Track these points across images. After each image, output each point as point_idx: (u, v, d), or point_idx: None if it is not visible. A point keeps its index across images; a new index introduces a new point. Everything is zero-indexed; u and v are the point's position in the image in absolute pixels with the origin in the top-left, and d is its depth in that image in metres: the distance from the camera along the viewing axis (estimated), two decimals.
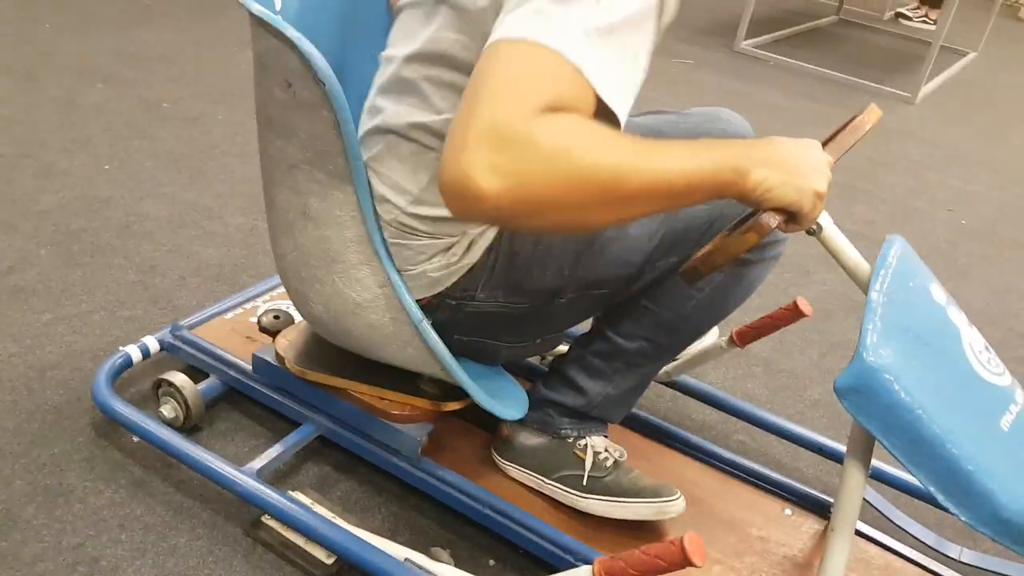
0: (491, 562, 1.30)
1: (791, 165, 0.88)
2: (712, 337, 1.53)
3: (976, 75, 5.15)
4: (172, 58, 3.13)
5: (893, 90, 4.31)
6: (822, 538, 1.30)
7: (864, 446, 0.96)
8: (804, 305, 1.33)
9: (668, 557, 0.88)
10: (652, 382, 1.43)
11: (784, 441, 1.61)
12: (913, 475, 0.89)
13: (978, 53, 5.61)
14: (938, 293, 0.98)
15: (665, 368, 1.54)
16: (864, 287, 0.98)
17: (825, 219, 0.96)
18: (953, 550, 1.33)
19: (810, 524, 1.33)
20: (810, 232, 0.96)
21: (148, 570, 1.21)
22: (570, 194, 0.77)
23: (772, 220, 0.87)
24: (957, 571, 1.29)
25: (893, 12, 6.36)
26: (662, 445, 1.47)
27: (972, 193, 3.17)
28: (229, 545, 1.26)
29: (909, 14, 6.23)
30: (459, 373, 1.16)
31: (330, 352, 1.33)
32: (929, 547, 1.33)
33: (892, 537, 1.32)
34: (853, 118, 1.02)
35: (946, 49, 5.22)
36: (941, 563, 1.30)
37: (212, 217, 2.16)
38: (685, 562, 0.87)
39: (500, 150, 0.73)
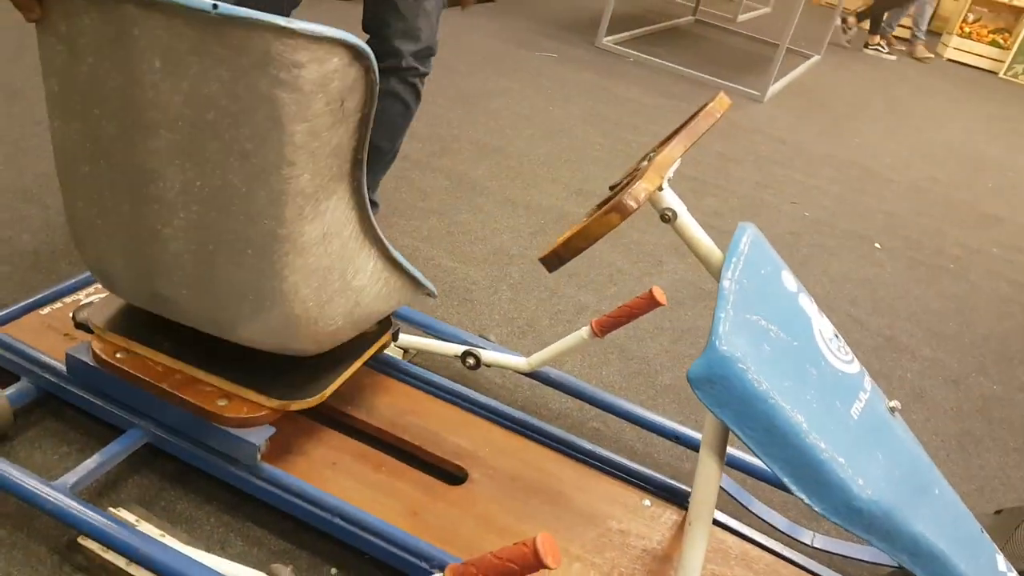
0: (333, 570, 1.21)
1: None
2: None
3: (818, 76, 5.46)
4: None
5: (744, 88, 4.50)
6: (681, 529, 1.30)
7: (719, 436, 0.95)
8: (659, 294, 1.33)
9: (520, 560, 0.84)
10: (513, 372, 1.54)
11: (637, 428, 1.61)
12: (766, 466, 0.88)
13: (820, 56, 5.97)
14: (789, 281, 0.98)
15: (528, 359, 1.50)
16: (716, 274, 0.97)
17: (679, 207, 0.94)
18: (806, 536, 1.36)
19: (669, 515, 1.32)
20: (664, 219, 0.94)
21: None
22: None
23: (632, 202, 0.84)
24: (810, 556, 1.32)
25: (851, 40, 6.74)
26: (523, 438, 1.43)
27: (814, 187, 3.34)
28: (32, 566, 1.11)
29: (873, 46, 6.64)
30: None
31: (150, 326, 1.23)
32: (783, 533, 1.35)
33: (747, 525, 1.34)
34: (704, 106, 1.01)
35: (792, 52, 5.51)
36: (795, 549, 1.32)
37: (31, 200, 1.93)
38: (538, 564, 0.82)
39: None
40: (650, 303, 1.33)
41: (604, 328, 1.39)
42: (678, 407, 1.76)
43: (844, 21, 6.69)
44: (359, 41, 0.93)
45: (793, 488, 0.89)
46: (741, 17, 6.80)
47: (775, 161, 3.54)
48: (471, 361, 1.54)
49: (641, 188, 0.86)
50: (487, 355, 1.54)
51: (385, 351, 1.52)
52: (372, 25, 1.76)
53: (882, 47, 6.64)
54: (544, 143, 3.09)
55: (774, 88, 4.60)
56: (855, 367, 0.98)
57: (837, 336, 0.99)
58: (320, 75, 0.93)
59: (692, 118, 0.99)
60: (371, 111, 1.01)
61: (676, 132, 1.05)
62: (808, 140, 3.98)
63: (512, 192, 2.61)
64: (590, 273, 2.23)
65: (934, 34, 7.46)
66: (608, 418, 1.64)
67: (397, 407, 1.44)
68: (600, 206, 0.99)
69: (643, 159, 1.03)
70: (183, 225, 1.06)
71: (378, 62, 1.69)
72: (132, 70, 0.96)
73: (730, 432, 0.93)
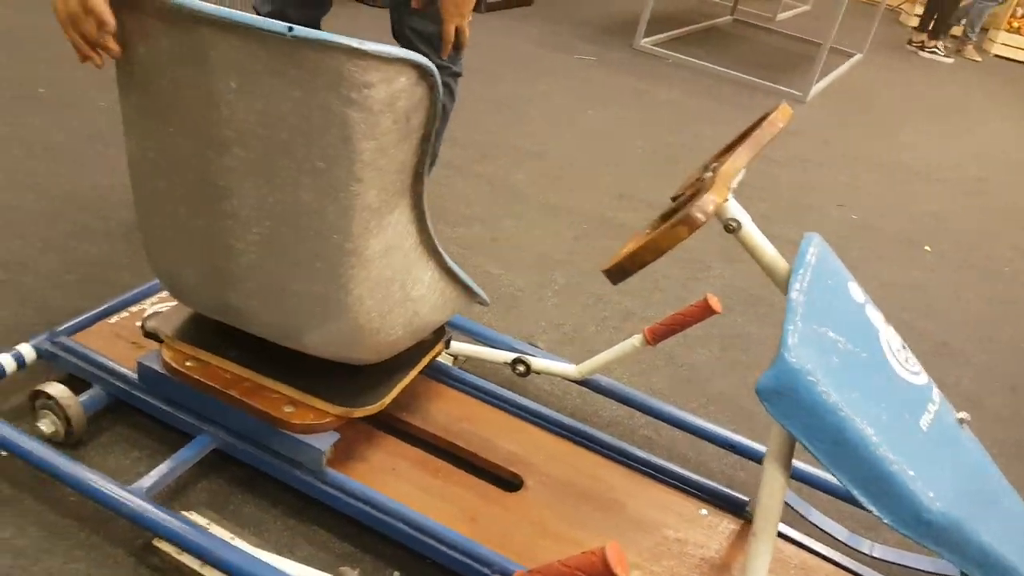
0: (396, 574, 1.24)
1: None
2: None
3: (861, 76, 5.39)
4: (46, 41, 2.89)
5: (785, 89, 4.46)
6: (739, 539, 1.30)
7: (785, 448, 0.95)
8: (714, 302, 1.33)
9: (589, 569, 0.85)
10: (562, 379, 1.57)
11: (689, 436, 1.61)
12: (835, 477, 0.89)
13: (863, 55, 5.88)
14: (856, 292, 0.99)
15: (578, 367, 1.51)
16: (781, 285, 0.97)
17: (743, 217, 0.95)
18: (865, 545, 1.35)
19: (727, 524, 1.32)
20: (729, 229, 0.95)
21: None
22: None
23: (701, 215, 0.85)
24: (869, 566, 1.31)
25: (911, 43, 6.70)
26: (575, 444, 1.44)
27: (860, 189, 3.31)
28: (110, 568, 1.15)
29: (924, 47, 6.61)
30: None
31: (217, 334, 1.26)
32: (842, 543, 1.35)
33: (807, 534, 1.33)
34: (766, 116, 1.01)
35: (833, 51, 5.44)
36: (854, 559, 1.32)
37: (91, 211, 1.99)
38: (607, 573, 0.84)
39: None
40: (705, 311, 1.33)
41: (657, 336, 1.40)
42: (730, 415, 1.76)
43: (921, 44, 6.63)
44: (425, 61, 0.95)
45: (862, 500, 0.89)
46: (780, 16, 6.73)
47: (820, 163, 3.50)
48: (521, 368, 1.56)
49: (709, 200, 0.87)
50: (537, 362, 1.55)
51: (437, 358, 1.55)
52: (398, 30, 1.78)
53: (938, 50, 6.56)
54: (584, 147, 3.10)
55: (816, 88, 4.55)
56: (923, 378, 0.97)
57: (904, 347, 0.99)
58: (388, 94, 0.95)
59: (754, 127, 1.00)
60: (434, 127, 1.03)
61: (738, 141, 1.06)
62: (853, 141, 3.94)
63: (553, 197, 2.63)
64: (636, 279, 2.23)
65: (982, 30, 7.31)
66: (659, 426, 1.65)
67: (451, 413, 1.46)
68: (663, 218, 0.99)
69: (704, 169, 1.04)
70: (256, 240, 1.09)
71: None
72: (208, 90, 0.99)
73: (796, 444, 0.93)
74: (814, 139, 3.83)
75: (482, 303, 1.38)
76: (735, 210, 0.94)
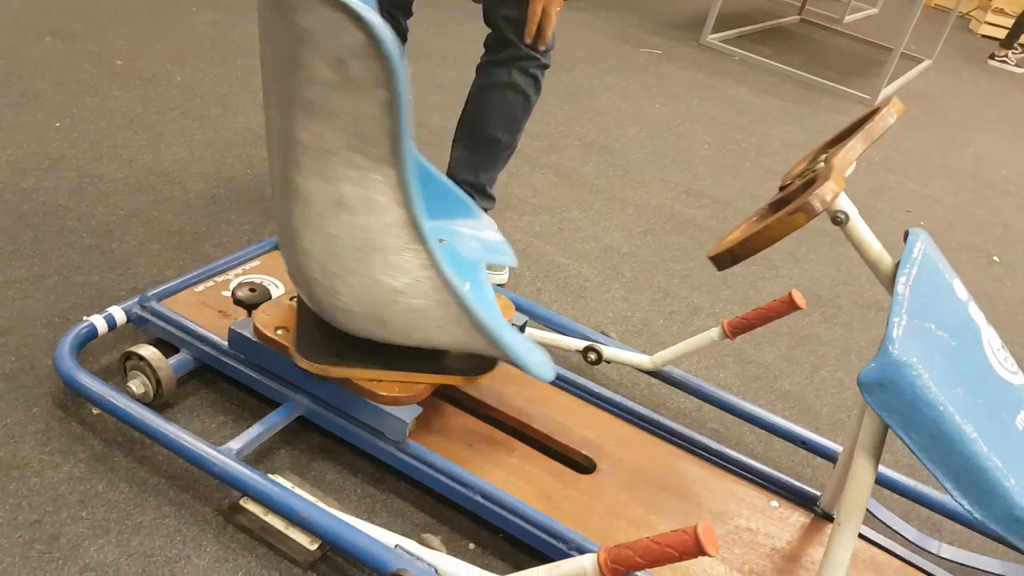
0: (471, 546, 1.26)
1: None
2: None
3: (930, 82, 5.27)
4: (124, 16, 2.97)
5: (853, 91, 4.38)
6: (809, 531, 1.30)
7: (877, 440, 0.95)
8: (799, 298, 1.33)
9: (681, 546, 0.86)
10: (636, 370, 1.56)
11: (757, 431, 1.61)
12: (929, 471, 0.88)
13: (932, 61, 5.76)
14: (960, 289, 0.98)
15: (652, 358, 1.52)
16: (885, 280, 0.97)
17: (852, 210, 0.95)
18: (932, 545, 1.34)
19: (797, 517, 1.32)
20: (836, 221, 0.94)
21: (111, 548, 1.13)
22: None
23: (819, 203, 0.85)
24: (937, 564, 1.30)
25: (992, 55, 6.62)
26: (647, 433, 1.45)
27: (928, 196, 3.24)
28: (198, 525, 1.19)
29: (999, 58, 6.52)
30: (503, 337, 1.14)
31: (333, 342, 1.26)
32: (910, 542, 1.34)
33: (877, 532, 1.32)
34: (878, 109, 1.01)
35: (902, 55, 5.33)
36: (922, 556, 1.31)
37: (172, 182, 2.05)
38: (699, 551, 0.85)
39: None
40: (789, 307, 1.33)
41: (737, 330, 1.40)
42: (798, 413, 1.75)
43: (1001, 57, 6.52)
44: (362, 7, 0.92)
45: (955, 494, 0.88)
46: (848, 18, 6.61)
47: (888, 168, 3.45)
48: (592, 356, 1.57)
49: (829, 189, 0.87)
50: (609, 351, 1.57)
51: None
52: (489, 17, 1.79)
53: (1008, 59, 6.41)
54: (651, 141, 3.09)
55: (885, 92, 4.47)
56: (1021, 379, 0.96)
57: (1003, 347, 0.98)
58: (317, 24, 0.95)
59: (865, 120, 0.99)
60: (396, 96, 0.98)
61: (847, 134, 1.06)
62: (921, 148, 3.86)
63: (621, 190, 2.63)
64: (703, 275, 2.22)
65: None
66: (727, 419, 1.65)
67: (525, 396, 1.47)
68: (772, 206, 1.00)
69: (814, 159, 1.04)
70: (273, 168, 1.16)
71: (496, 53, 1.70)
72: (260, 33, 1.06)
73: (886, 438, 0.93)
74: (883, 144, 3.76)
75: (507, 360, 1.23)
76: (844, 202, 0.94)
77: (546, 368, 1.22)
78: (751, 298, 2.16)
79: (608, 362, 1.57)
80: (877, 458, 0.96)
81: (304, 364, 1.22)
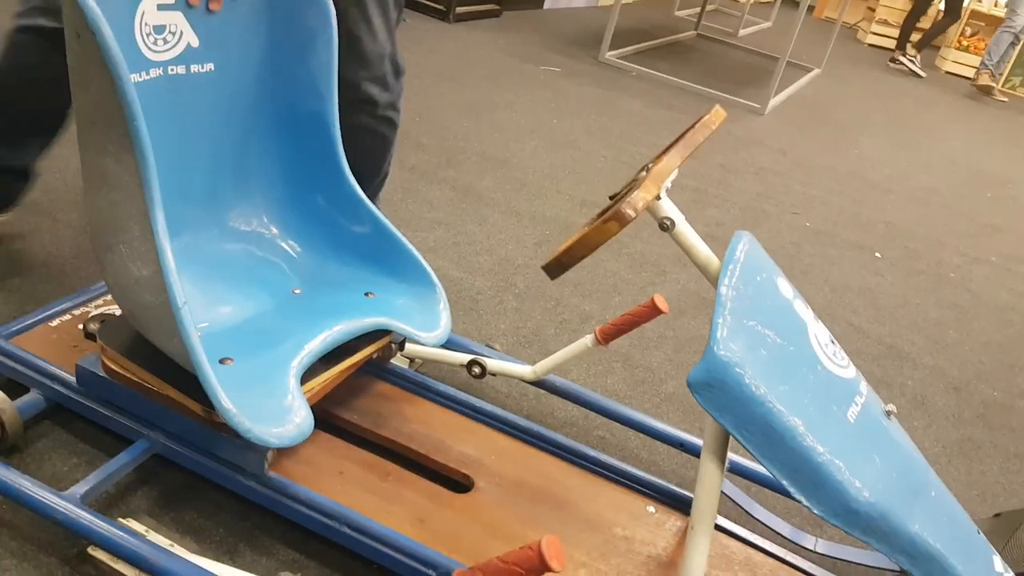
0: None
1: None
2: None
3: (819, 90, 5.50)
4: None
5: (744, 101, 4.53)
6: (684, 535, 1.31)
7: (719, 441, 0.96)
8: (661, 303, 1.34)
9: (526, 563, 0.85)
10: (519, 381, 1.54)
11: (642, 435, 1.62)
12: (766, 468, 0.90)
13: (821, 70, 6.01)
14: (784, 287, 1.00)
15: (533, 368, 1.52)
16: (714, 281, 0.98)
17: (677, 216, 0.96)
18: (809, 541, 1.37)
19: (673, 521, 1.33)
20: (663, 227, 0.96)
21: None
22: None
23: (631, 211, 0.86)
24: (814, 561, 1.33)
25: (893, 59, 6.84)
26: (528, 446, 1.44)
27: (814, 197, 3.37)
28: None
29: (904, 60, 6.79)
30: (207, 375, 1.07)
31: (150, 348, 1.22)
32: (786, 539, 1.36)
33: (751, 530, 1.34)
34: (700, 118, 1.03)
35: (792, 65, 5.55)
36: (799, 555, 1.33)
37: (40, 213, 1.96)
38: (543, 567, 0.83)
39: None
40: (652, 311, 1.35)
41: (608, 336, 1.41)
42: (682, 415, 1.77)
43: (897, 60, 6.86)
44: None
45: (792, 490, 0.90)
46: (742, 32, 6.85)
47: (776, 172, 3.56)
48: (477, 370, 1.56)
49: (639, 197, 0.88)
50: (493, 364, 1.56)
51: (391, 360, 1.54)
52: None
53: (913, 60, 6.81)
54: (548, 155, 3.13)
55: (775, 101, 4.64)
56: (851, 372, 0.99)
57: (833, 341, 1.00)
58: None
59: (689, 130, 1.01)
60: (117, 78, 0.98)
61: (674, 143, 1.08)
62: (808, 152, 4.01)
63: (517, 203, 2.64)
64: (594, 283, 2.25)
65: (934, 48, 7.51)
66: (613, 426, 1.66)
67: (403, 415, 1.45)
68: (601, 215, 1.01)
69: (641, 170, 1.05)
70: None
71: (343, 100, 1.58)
72: None
73: (730, 437, 0.95)
74: (771, 149, 3.89)
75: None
76: (669, 208, 0.96)
77: (275, 437, 1.10)
78: (640, 303, 2.18)
79: (493, 375, 1.57)
80: (722, 460, 0.98)
81: (106, 357, 1.22)
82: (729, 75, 5.26)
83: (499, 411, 1.49)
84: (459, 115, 3.31)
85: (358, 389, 1.48)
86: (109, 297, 1.55)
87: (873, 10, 7.96)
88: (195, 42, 1.29)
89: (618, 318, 1.40)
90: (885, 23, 7.82)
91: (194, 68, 1.30)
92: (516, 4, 5.40)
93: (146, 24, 1.20)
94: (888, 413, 0.99)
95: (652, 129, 3.73)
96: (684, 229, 0.96)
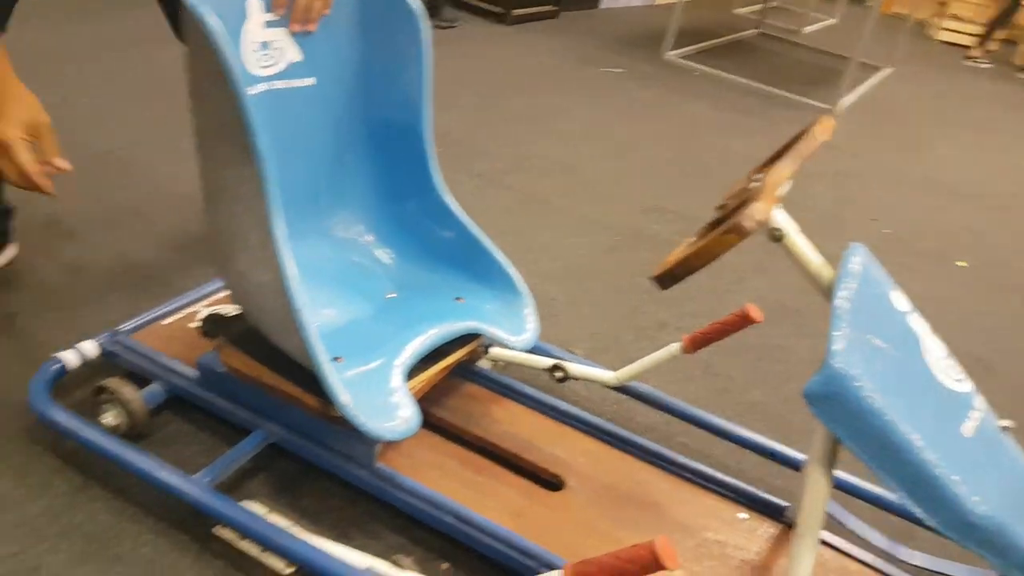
0: (444, 565, 1.28)
1: None
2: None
3: (891, 90, 5.39)
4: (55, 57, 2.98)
5: (813, 103, 4.47)
6: (778, 542, 1.33)
7: (829, 451, 0.98)
8: (755, 312, 1.36)
9: (640, 561, 0.88)
10: (599, 386, 1.56)
11: (725, 443, 1.63)
12: (882, 480, 0.92)
13: (893, 69, 5.88)
14: (899, 300, 1.02)
15: (616, 373, 1.54)
16: (825, 292, 1.00)
17: (788, 225, 0.98)
18: (903, 552, 1.37)
19: (765, 528, 1.35)
20: (774, 238, 0.98)
21: None
22: None
23: (750, 223, 0.88)
24: (907, 572, 1.33)
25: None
26: (615, 449, 1.48)
27: (893, 203, 3.32)
28: (176, 552, 1.20)
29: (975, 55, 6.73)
30: (325, 373, 1.14)
31: (266, 345, 1.29)
32: (880, 550, 1.36)
33: (846, 540, 1.35)
34: (809, 127, 1.05)
35: (863, 64, 5.44)
36: (892, 564, 1.33)
37: (140, 217, 2.06)
38: (657, 566, 0.87)
39: None
40: (744, 320, 1.36)
41: (696, 344, 1.43)
42: (765, 424, 1.79)
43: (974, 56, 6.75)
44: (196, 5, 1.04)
45: (908, 503, 0.92)
46: (806, 29, 6.74)
47: (852, 176, 3.52)
48: (559, 374, 1.58)
49: (759, 209, 0.90)
50: (575, 368, 1.58)
51: (477, 363, 1.59)
52: None
53: (981, 59, 6.68)
54: (614, 160, 3.14)
55: (845, 101, 4.56)
56: (966, 386, 1.00)
57: (949, 355, 1.02)
58: (185, 18, 1.07)
59: (797, 139, 1.03)
60: (235, 93, 1.05)
61: (781, 153, 1.10)
62: (883, 155, 3.95)
63: (586, 209, 2.67)
64: (671, 290, 2.25)
65: (1010, 43, 7.29)
66: (694, 433, 1.67)
67: (492, 416, 1.49)
68: (711, 226, 1.03)
69: (749, 180, 1.08)
70: None
71: None
72: None
73: (840, 447, 0.97)
74: (845, 153, 3.84)
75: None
76: (781, 219, 0.98)
77: (388, 431, 1.18)
78: (717, 311, 2.20)
79: (575, 379, 1.60)
80: (831, 468, 1.00)
81: (225, 354, 1.29)
82: (795, 75, 5.18)
83: (585, 414, 1.52)
84: (523, 120, 3.34)
85: (449, 389, 1.53)
86: (215, 297, 1.63)
87: (944, 4, 7.75)
88: (297, 57, 1.35)
89: (707, 326, 1.42)
90: (956, 18, 7.61)
91: (296, 83, 1.37)
92: (572, 4, 5.41)
93: (252, 41, 1.26)
94: (1004, 428, 1.00)
95: (720, 132, 3.71)
96: (796, 239, 0.99)
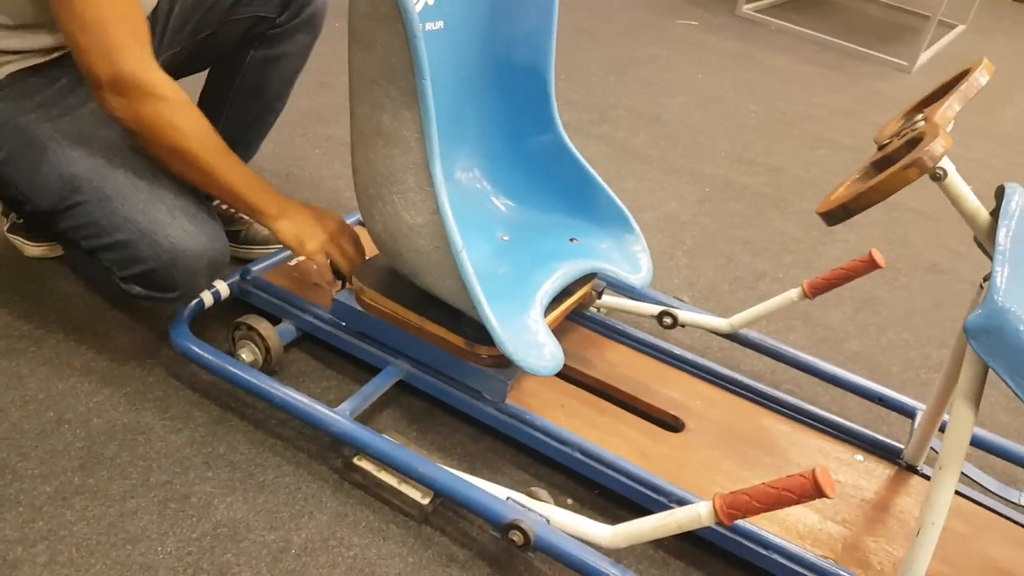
0: (569, 501, 1.32)
1: (301, 225, 1.37)
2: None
3: (966, 47, 5.22)
4: None
5: (890, 58, 4.36)
6: (894, 483, 1.35)
7: (976, 385, 0.99)
8: (878, 257, 1.36)
9: (799, 490, 0.90)
10: (714, 334, 1.61)
11: (831, 391, 1.64)
12: None
13: (967, 26, 5.70)
14: None
15: (730, 320, 1.56)
16: (982, 233, 1.01)
17: (949, 166, 0.99)
18: (1013, 495, 1.38)
19: (882, 469, 1.37)
20: (935, 177, 0.98)
21: (239, 506, 1.21)
22: (168, 156, 1.26)
23: (930, 160, 0.89)
24: (1019, 512, 1.34)
25: None
26: (729, 393, 1.50)
27: (974, 160, 3.24)
28: (316, 482, 1.26)
29: None
30: (486, 312, 1.18)
31: (404, 286, 1.34)
32: (991, 492, 1.38)
33: (961, 483, 1.36)
34: (968, 70, 1.04)
35: (939, 22, 5.27)
36: (1004, 505, 1.35)
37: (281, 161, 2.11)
38: (818, 494, 0.89)
39: (122, 97, 1.19)
40: (869, 265, 1.37)
41: (817, 290, 1.44)
42: (867, 373, 1.79)
43: None
44: None
45: None
46: None
47: None
48: (668, 320, 1.61)
49: (939, 145, 0.91)
50: (684, 315, 1.60)
51: (590, 307, 1.62)
52: None
53: None
54: (699, 111, 3.12)
55: (923, 58, 4.44)
56: None
57: None
58: None
59: (958, 80, 1.03)
60: (410, 34, 1.07)
61: (937, 93, 1.09)
62: (962, 112, 3.84)
63: (674, 160, 2.66)
64: (763, 241, 2.26)
65: None
66: (801, 380, 1.69)
67: (607, 360, 1.53)
68: (876, 164, 1.04)
69: (908, 119, 1.08)
70: None
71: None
72: None
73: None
74: None
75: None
76: (944, 160, 0.98)
77: (542, 366, 1.23)
78: (813, 262, 2.20)
79: (683, 326, 1.62)
80: (977, 404, 1.01)
81: (364, 295, 1.34)
82: (870, 29, 5.05)
83: (698, 359, 1.55)
84: (605, 71, 3.33)
85: (562, 333, 1.56)
86: None
87: None
88: (431, 0, 1.37)
89: (830, 272, 1.42)
90: None
91: (428, 26, 1.39)
92: None
93: None
94: None
95: (800, 85, 3.65)
96: (955, 179, 0.99)
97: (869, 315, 2.01)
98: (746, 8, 4.66)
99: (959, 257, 2.39)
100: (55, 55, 1.32)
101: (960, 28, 5.62)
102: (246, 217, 1.58)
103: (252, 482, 1.25)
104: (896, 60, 4.35)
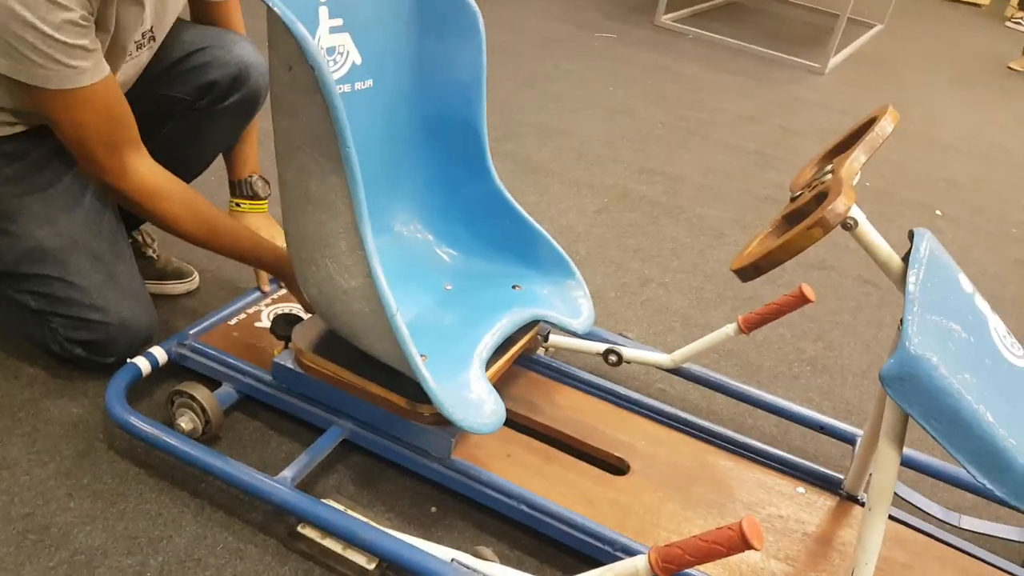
0: (518, 554, 1.33)
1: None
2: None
3: (881, 47, 5.42)
4: None
5: (803, 61, 4.51)
6: (835, 514, 1.39)
7: (899, 428, 1.04)
8: (808, 292, 1.41)
9: (727, 542, 0.91)
10: (657, 370, 1.62)
11: (775, 419, 1.68)
12: (951, 455, 0.97)
13: (884, 26, 5.90)
14: (965, 283, 1.07)
15: (671, 356, 1.59)
16: (895, 279, 1.05)
17: (859, 215, 1.02)
18: (953, 518, 1.43)
19: (823, 501, 1.41)
20: (846, 227, 1.01)
21: (99, 534, 1.21)
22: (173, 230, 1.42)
23: (834, 218, 0.92)
24: (958, 536, 1.39)
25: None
26: (674, 430, 1.52)
27: (875, 158, 3.34)
28: (177, 507, 1.27)
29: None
30: (423, 374, 1.19)
31: (344, 347, 1.34)
32: (932, 516, 1.43)
33: (899, 509, 1.41)
34: (874, 118, 1.08)
35: (854, 22, 5.46)
36: (944, 530, 1.40)
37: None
38: (745, 546, 0.90)
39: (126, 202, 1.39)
40: (800, 300, 1.41)
41: (751, 325, 1.47)
42: (739, 369, 1.86)
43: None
44: (291, 20, 1.04)
45: (976, 475, 0.97)
46: None
47: (837, 132, 3.54)
48: (613, 358, 1.61)
49: (841, 203, 0.94)
50: (629, 352, 1.61)
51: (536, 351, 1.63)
52: None
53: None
54: (606, 124, 3.19)
55: (835, 60, 4.60)
56: None
57: (1009, 333, 1.07)
58: (274, 32, 1.09)
59: (865, 128, 1.07)
60: (329, 104, 1.07)
61: (847, 140, 1.13)
62: (871, 111, 3.98)
63: (576, 173, 2.73)
64: (653, 247, 2.33)
65: None
66: (744, 409, 1.72)
67: (553, 402, 1.53)
68: (786, 217, 1.07)
69: (819, 169, 1.12)
70: None
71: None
72: None
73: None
74: (832, 110, 3.89)
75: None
76: (854, 210, 1.02)
77: (482, 424, 1.22)
78: (699, 266, 2.28)
79: (628, 363, 1.63)
80: (900, 446, 1.05)
81: (303, 358, 1.35)
82: (788, 34, 5.21)
83: (643, 398, 1.56)
84: (516, 87, 3.37)
85: (509, 378, 1.56)
86: (277, 296, 1.66)
87: None
88: (359, 60, 1.37)
89: (763, 307, 1.46)
90: None
91: (358, 85, 1.39)
92: None
93: (320, 47, 1.28)
94: None
95: (710, 94, 3.75)
96: (866, 228, 1.02)
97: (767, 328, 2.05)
98: (665, 19, 4.76)
99: (847, 252, 2.49)
100: (25, 128, 1.35)
101: (878, 28, 5.82)
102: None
103: (113, 510, 1.25)
104: (808, 63, 4.49)
